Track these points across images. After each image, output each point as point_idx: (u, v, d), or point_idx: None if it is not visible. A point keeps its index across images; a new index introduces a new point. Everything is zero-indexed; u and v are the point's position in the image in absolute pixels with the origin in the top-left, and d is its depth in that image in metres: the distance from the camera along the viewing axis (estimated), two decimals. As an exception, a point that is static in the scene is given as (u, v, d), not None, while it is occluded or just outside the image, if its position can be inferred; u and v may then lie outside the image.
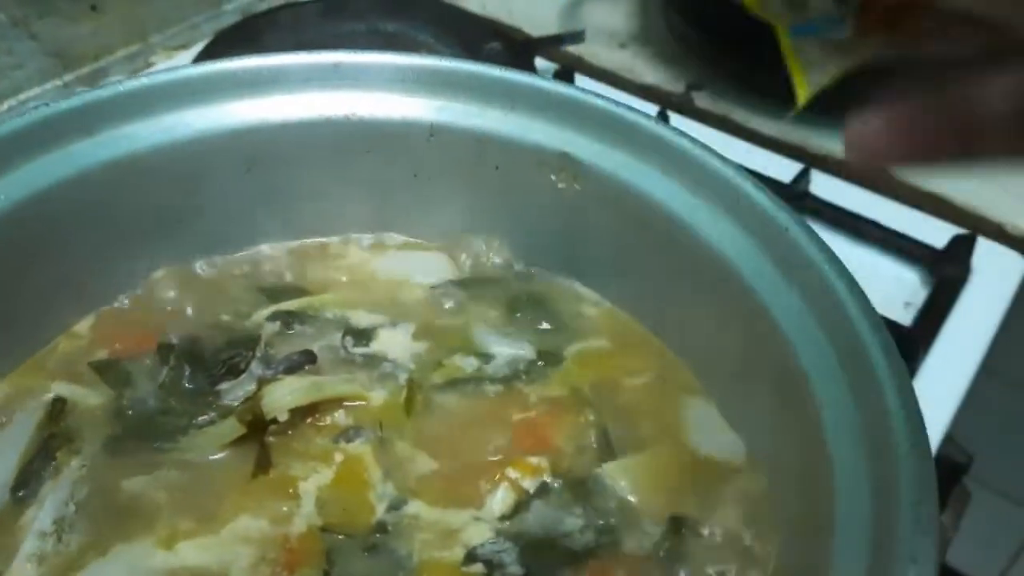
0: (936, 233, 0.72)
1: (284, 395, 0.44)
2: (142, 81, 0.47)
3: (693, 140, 0.46)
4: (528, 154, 0.51)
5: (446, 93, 0.51)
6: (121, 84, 0.47)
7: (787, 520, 0.40)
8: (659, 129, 0.47)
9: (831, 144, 0.83)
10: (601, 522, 0.42)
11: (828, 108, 0.65)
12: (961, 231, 0.73)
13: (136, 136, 0.47)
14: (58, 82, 0.93)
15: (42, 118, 0.45)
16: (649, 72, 0.95)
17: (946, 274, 0.69)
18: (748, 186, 0.44)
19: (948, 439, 0.60)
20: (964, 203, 0.78)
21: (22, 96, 0.90)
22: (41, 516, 0.40)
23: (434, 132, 0.52)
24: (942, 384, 0.62)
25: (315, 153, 0.52)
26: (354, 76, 0.51)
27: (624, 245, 0.50)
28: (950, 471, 0.63)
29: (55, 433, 0.44)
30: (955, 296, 0.68)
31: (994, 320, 0.67)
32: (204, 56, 0.88)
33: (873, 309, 0.38)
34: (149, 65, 0.96)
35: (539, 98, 0.50)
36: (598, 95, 0.50)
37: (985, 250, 0.72)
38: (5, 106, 0.89)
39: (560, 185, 0.51)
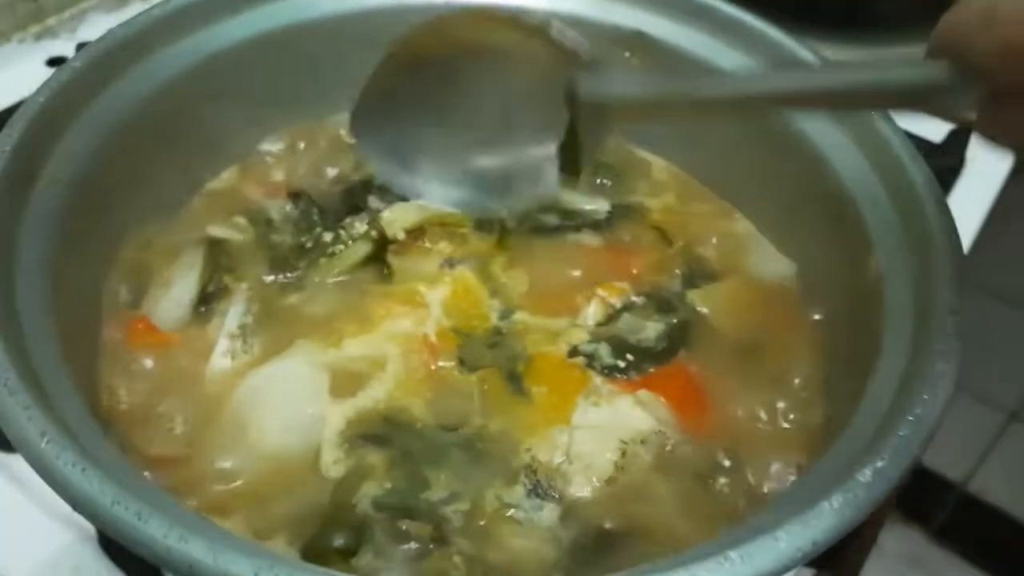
0: (933, 130, 0.78)
1: (398, 214, 0.53)
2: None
3: (756, 14, 0.54)
4: (605, 34, 0.59)
5: (533, -22, 0.59)
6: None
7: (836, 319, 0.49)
8: (725, 7, 0.55)
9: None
10: (680, 332, 0.51)
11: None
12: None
13: (274, 15, 0.55)
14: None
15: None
16: None
17: (942, 165, 0.74)
18: (803, 51, 0.52)
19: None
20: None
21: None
22: (227, 322, 0.49)
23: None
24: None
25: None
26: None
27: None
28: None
29: (219, 264, 0.53)
30: (950, 186, 0.75)
31: (984, 207, 0.74)
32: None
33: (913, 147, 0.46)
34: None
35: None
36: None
37: (978, 145, 0.77)
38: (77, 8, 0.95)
39: (633, 62, 0.59)
